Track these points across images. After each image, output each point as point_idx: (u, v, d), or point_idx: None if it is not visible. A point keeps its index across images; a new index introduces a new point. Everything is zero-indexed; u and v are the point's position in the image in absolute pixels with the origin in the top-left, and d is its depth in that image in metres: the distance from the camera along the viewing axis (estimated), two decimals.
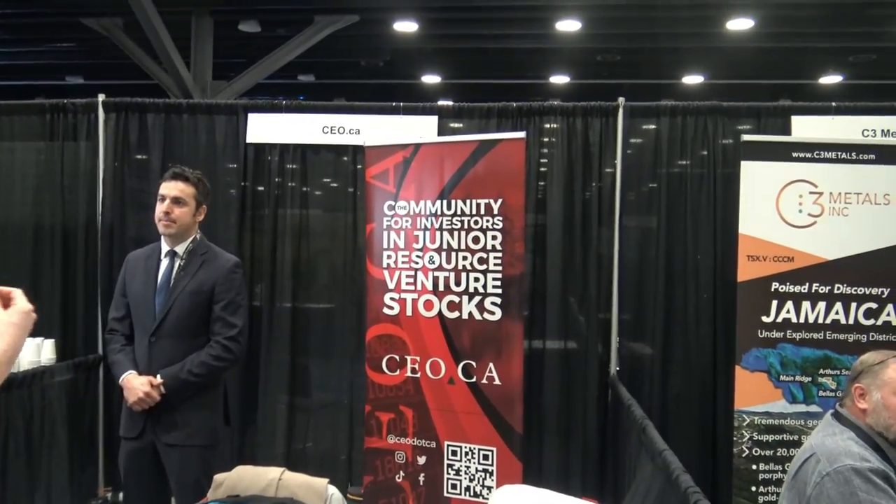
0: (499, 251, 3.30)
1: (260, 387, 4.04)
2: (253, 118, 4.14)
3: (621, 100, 3.99)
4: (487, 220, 3.32)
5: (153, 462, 2.83)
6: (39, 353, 3.65)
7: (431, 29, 8.68)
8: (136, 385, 2.76)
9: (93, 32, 8.73)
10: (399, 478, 3.43)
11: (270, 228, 4.13)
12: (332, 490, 2.52)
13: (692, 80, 10.33)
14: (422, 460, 3.39)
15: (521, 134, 3.45)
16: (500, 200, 3.30)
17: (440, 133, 4.04)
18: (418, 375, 3.41)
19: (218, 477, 2.55)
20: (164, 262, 2.92)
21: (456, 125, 4.09)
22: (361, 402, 3.82)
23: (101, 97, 4.14)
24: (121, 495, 3.95)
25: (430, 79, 10.94)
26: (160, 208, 2.85)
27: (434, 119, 4.08)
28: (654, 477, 2.59)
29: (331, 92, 10.89)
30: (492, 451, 3.25)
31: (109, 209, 4.10)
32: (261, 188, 4.16)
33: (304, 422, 4.09)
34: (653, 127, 4.04)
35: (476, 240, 3.34)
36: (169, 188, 2.86)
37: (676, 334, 3.89)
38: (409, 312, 3.45)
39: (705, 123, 3.97)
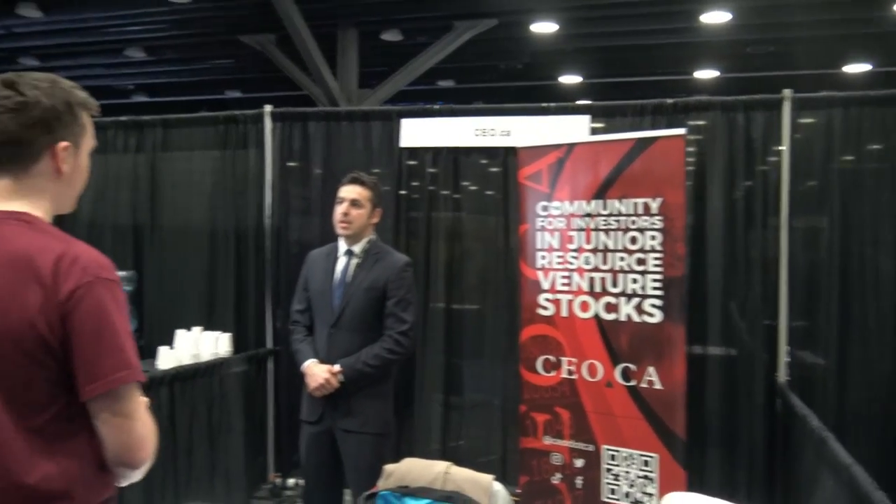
0: (658, 252, 3.21)
1: (416, 384, 4.15)
2: (406, 123, 4.27)
3: (787, 91, 3.77)
4: (646, 220, 3.25)
5: (331, 447, 3.03)
6: (217, 345, 3.94)
7: (571, 28, 8.60)
8: (318, 372, 2.97)
9: (249, 49, 9.33)
10: (555, 479, 3.42)
11: (424, 231, 4.23)
12: (498, 487, 2.54)
13: (856, 68, 9.61)
14: (579, 463, 3.36)
15: (681, 130, 3.35)
16: (659, 199, 3.22)
17: (589, 132, 3.98)
18: (574, 377, 3.38)
19: (388, 467, 2.65)
20: (342, 260, 3.13)
21: (604, 124, 4.02)
22: (512, 402, 3.84)
23: (267, 108, 4.41)
24: (289, 481, 4.20)
25: (570, 79, 10.84)
26: (339, 210, 3.07)
27: (586, 118, 4.03)
28: (838, 495, 2.43)
29: (470, 96, 11.05)
30: (653, 458, 3.16)
31: (276, 213, 4.36)
32: (415, 192, 4.28)
33: (457, 419, 4.17)
34: (821, 120, 3.78)
35: (633, 240, 3.28)
36: (347, 191, 3.07)
37: (853, 344, 3.60)
38: (564, 313, 3.44)
39: (883, 114, 3.68)
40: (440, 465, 2.64)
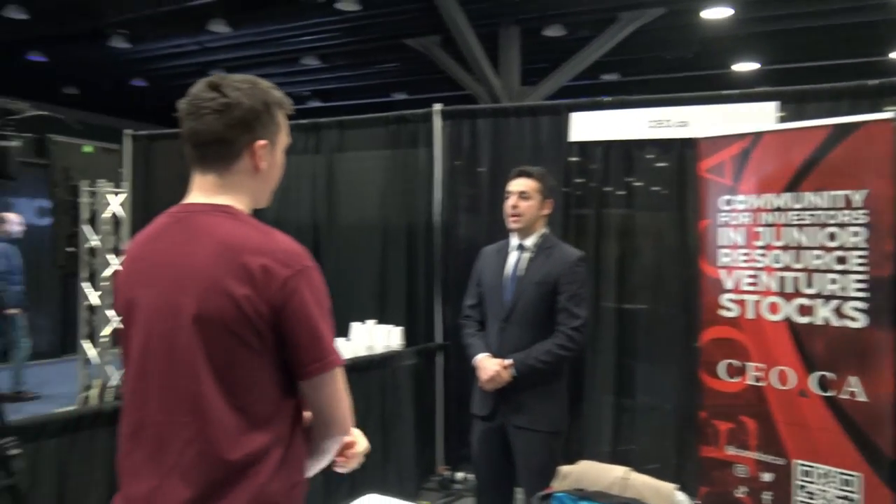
0: (862, 249, 2.90)
1: (586, 383, 4.06)
2: (576, 117, 4.17)
3: None
4: (847, 215, 2.95)
5: (502, 444, 3.01)
6: (390, 338, 4.07)
7: (747, 12, 8.05)
8: (489, 365, 2.97)
9: (413, 52, 9.59)
10: (740, 493, 3.19)
11: (593, 228, 4.12)
12: (682, 497, 2.41)
13: None
14: (767, 477, 3.12)
15: (890, 114, 3.01)
16: (863, 191, 2.91)
17: (776, 121, 3.69)
18: (762, 384, 3.14)
19: (563, 468, 2.59)
20: (514, 255, 3.10)
21: (787, 113, 3.69)
22: (687, 408, 3.64)
23: (437, 107, 4.49)
24: (458, 475, 4.25)
25: (745, 66, 10.18)
26: (508, 204, 3.04)
27: (772, 105, 3.74)
28: None
29: (635, 89, 10.67)
30: (855, 477, 2.87)
31: (445, 210, 4.43)
32: (583, 188, 4.17)
33: (628, 422, 4.02)
34: None
35: (832, 236, 2.99)
36: (515, 185, 3.04)
37: None
38: (750, 315, 3.20)
39: None
40: (618, 470, 2.54)
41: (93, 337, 5.83)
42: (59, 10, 12.19)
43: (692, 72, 10.27)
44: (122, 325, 1.45)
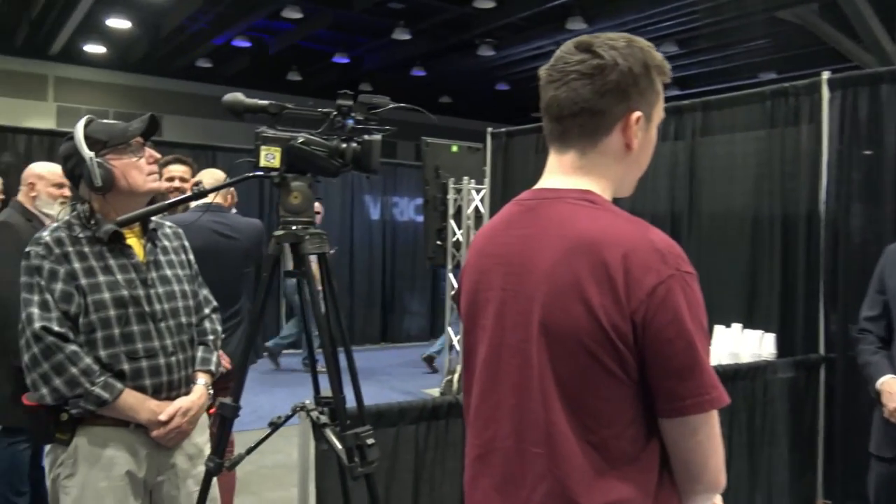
0: None
1: None
2: None
3: None
4: None
5: None
6: (761, 346, 3.55)
7: None
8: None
9: (787, 24, 8.54)
10: None
11: None
12: None
13: None
14: None
15: None
16: None
17: None
18: None
19: None
20: None
21: None
22: None
23: (825, 75, 3.81)
24: None
25: None
26: None
27: None
28: None
29: None
30: None
31: (833, 198, 3.73)
32: None
33: None
34: None
35: None
36: None
37: None
38: None
39: None
40: None
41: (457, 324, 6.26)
42: (436, 27, 13.54)
43: None
44: (464, 328, 1.28)
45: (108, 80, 19.36)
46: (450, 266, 6.21)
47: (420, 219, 8.98)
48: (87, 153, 1.84)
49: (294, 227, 1.91)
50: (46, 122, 18.25)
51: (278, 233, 1.93)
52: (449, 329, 6.27)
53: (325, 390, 2.02)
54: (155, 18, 13.77)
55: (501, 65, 15.41)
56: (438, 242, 6.21)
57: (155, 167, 1.97)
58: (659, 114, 1.23)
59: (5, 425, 3.20)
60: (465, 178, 6.13)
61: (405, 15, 12.92)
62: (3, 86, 19.41)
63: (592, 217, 1.13)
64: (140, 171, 1.92)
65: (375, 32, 14.01)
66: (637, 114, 1.17)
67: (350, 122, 1.91)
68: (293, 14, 12.74)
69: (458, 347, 6.13)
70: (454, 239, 6.19)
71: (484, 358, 1.21)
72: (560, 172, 1.21)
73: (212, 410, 1.94)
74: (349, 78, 15.94)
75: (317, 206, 3.95)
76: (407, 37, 13.70)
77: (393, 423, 2.50)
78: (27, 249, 1.83)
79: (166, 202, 1.92)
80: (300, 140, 1.89)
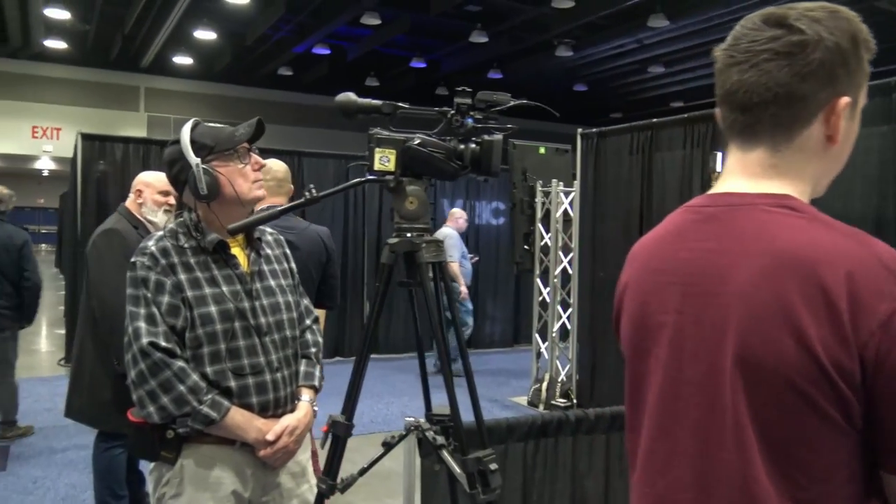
0: None
1: None
2: None
3: None
4: None
5: None
6: None
7: None
8: None
9: (883, 14, 7.99)
10: None
11: None
12: None
13: None
14: None
15: None
16: None
17: None
18: None
19: None
20: None
21: None
22: None
23: None
24: None
25: None
26: None
27: None
28: None
29: None
30: None
31: None
32: None
33: None
34: None
35: None
36: None
37: None
38: None
39: None
40: None
41: (543, 331, 6.07)
42: (514, 29, 13.39)
43: None
44: (628, 355, 1.10)
45: (194, 90, 20.03)
46: (537, 271, 6.05)
47: (499, 222, 8.86)
48: (194, 159, 1.77)
49: (409, 235, 1.81)
50: (138, 131, 18.97)
51: (392, 241, 1.82)
52: (536, 336, 6.11)
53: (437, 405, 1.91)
54: (239, 28, 14.11)
55: (580, 65, 15.13)
56: (526, 247, 6.05)
57: (260, 174, 1.88)
58: (864, 98, 1.02)
59: (104, 430, 3.23)
60: (554, 180, 5.96)
61: (482, 17, 12.82)
62: (99, 97, 20.36)
63: (798, 228, 0.93)
64: (246, 178, 1.83)
65: (452, 36, 13.96)
66: (845, 99, 0.96)
67: (469, 122, 1.78)
68: (371, 20, 12.83)
69: (545, 355, 5.96)
70: (542, 243, 6.02)
71: (657, 393, 1.03)
72: (745, 173, 1.01)
73: (324, 429, 1.84)
74: (426, 82, 15.98)
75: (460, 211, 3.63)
76: (484, 39, 13.59)
77: (501, 439, 2.37)
78: (133, 260, 1.77)
79: (278, 209, 1.84)
80: (417, 141, 1.78)
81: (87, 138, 6.80)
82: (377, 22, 12.93)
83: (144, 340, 1.69)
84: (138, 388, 1.70)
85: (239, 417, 1.74)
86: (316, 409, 1.90)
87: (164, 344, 1.70)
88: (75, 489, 3.91)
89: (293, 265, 2.01)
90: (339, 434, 1.80)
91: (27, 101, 20.60)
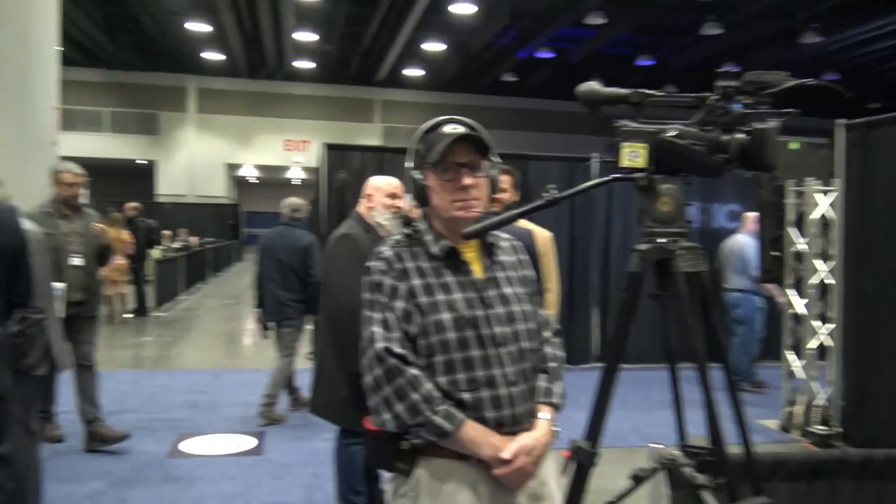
0: None
1: None
2: None
3: None
4: None
5: None
6: None
7: None
8: None
9: None
10: None
11: None
12: None
13: None
14: None
15: None
16: None
17: None
18: None
19: None
20: None
21: None
22: None
23: None
24: None
25: None
26: None
27: None
28: None
29: None
30: None
31: None
32: None
33: None
34: None
35: None
36: None
37: None
38: None
39: None
40: None
41: (798, 348, 5.39)
42: (751, 17, 12.33)
43: None
44: None
45: (424, 101, 21.01)
46: (790, 281, 5.38)
47: (732, 226, 8.06)
48: (408, 164, 1.74)
49: (662, 241, 1.58)
50: (373, 141, 20.29)
51: (642, 247, 1.61)
52: (787, 354, 5.44)
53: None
54: (465, 38, 14.51)
55: (830, 52, 13.58)
56: (774, 253, 5.41)
57: (466, 193, 1.75)
58: None
59: (343, 427, 3.34)
60: (809, 179, 5.27)
61: (715, 8, 11.97)
62: (339, 111, 22.15)
63: None
64: (445, 193, 1.73)
65: (682, 30, 13.21)
66: None
67: (736, 107, 1.52)
68: (596, 20, 12.52)
69: (799, 374, 5.28)
70: (794, 250, 5.35)
71: None
72: None
73: (566, 454, 1.67)
74: (653, 80, 15.29)
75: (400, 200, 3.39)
76: (717, 31, 12.68)
77: (765, 477, 2.03)
78: (367, 264, 1.75)
79: (512, 213, 1.70)
80: (672, 133, 1.55)
81: (331, 148, 7.29)
82: (602, 21, 12.59)
83: (379, 345, 1.65)
84: (374, 395, 1.67)
85: (473, 432, 1.64)
86: (557, 429, 1.73)
87: (398, 350, 1.65)
88: (319, 479, 4.12)
89: (531, 272, 1.87)
90: (582, 462, 1.61)
91: (280, 118, 22.99)
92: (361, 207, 3.31)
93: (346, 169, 7.09)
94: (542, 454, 1.70)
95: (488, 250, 1.78)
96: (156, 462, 4.40)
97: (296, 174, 25.59)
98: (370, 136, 21.21)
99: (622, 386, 1.79)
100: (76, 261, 4.41)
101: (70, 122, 16.40)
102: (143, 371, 7.19)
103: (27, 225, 2.87)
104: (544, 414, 1.74)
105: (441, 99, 19.99)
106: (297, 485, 4.11)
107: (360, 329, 1.70)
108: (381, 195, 3.26)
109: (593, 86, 1.67)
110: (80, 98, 19.53)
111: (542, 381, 1.78)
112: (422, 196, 1.73)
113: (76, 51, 17.46)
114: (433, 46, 15.03)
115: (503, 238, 1.87)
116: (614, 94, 1.65)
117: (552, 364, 1.81)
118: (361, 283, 1.74)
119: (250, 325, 10.96)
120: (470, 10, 12.70)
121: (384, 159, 7.24)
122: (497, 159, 1.77)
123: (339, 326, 3.13)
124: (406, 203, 5.13)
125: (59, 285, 4.14)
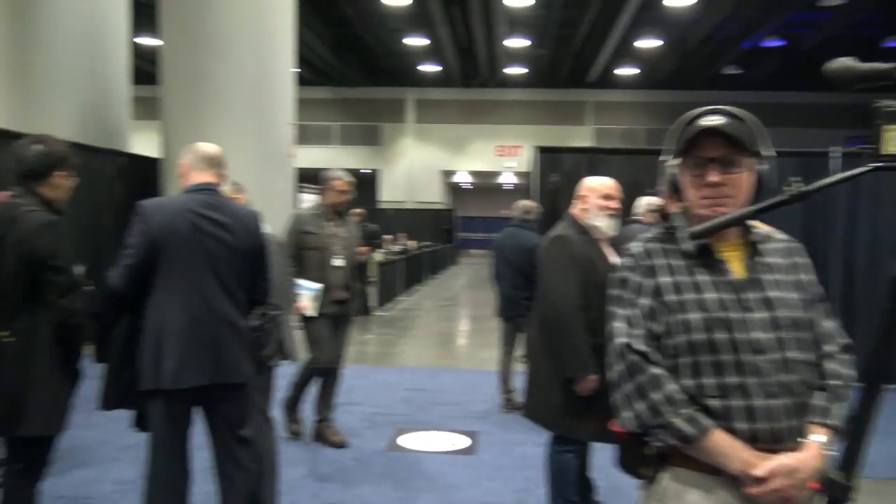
0: None
1: None
2: None
3: None
4: None
5: None
6: None
7: None
8: None
9: None
10: None
11: None
12: None
13: None
14: None
15: None
16: None
17: None
18: None
19: None
20: None
21: None
22: None
23: None
24: None
25: None
26: None
27: None
28: None
29: None
30: None
31: None
32: None
33: None
34: None
35: None
36: None
37: None
38: None
39: None
40: None
41: None
42: None
43: None
44: None
45: (637, 100, 20.39)
46: None
47: None
48: (664, 156, 1.67)
49: None
50: (584, 144, 19.99)
51: None
52: None
53: None
54: (683, 32, 13.82)
55: None
56: None
57: (711, 191, 1.64)
58: None
59: (555, 433, 3.27)
60: None
61: None
62: (550, 115, 22.18)
63: None
64: (693, 188, 1.64)
65: None
66: None
67: None
68: (833, 1, 11.31)
69: None
70: None
71: None
72: None
73: (813, 485, 1.46)
74: None
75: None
76: (841, 2, 10.90)
77: None
78: (616, 261, 1.71)
79: (748, 209, 1.54)
80: None
81: (543, 151, 7.30)
82: (841, 1, 11.35)
83: (622, 341, 1.60)
84: (616, 391, 1.61)
85: (722, 441, 1.50)
86: (833, 453, 1.51)
87: (639, 347, 1.57)
88: (531, 483, 4.09)
89: (810, 277, 1.67)
90: (835, 497, 1.39)
91: (492, 124, 23.57)
92: (575, 209, 3.24)
93: (557, 171, 7.03)
94: (807, 479, 1.50)
95: (754, 250, 1.64)
96: (377, 454, 4.64)
97: (507, 179, 26.05)
98: (581, 138, 20.96)
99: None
100: (338, 262, 4.61)
101: (304, 136, 18.02)
102: (367, 367, 7.64)
103: (267, 229, 3.15)
104: (818, 436, 1.53)
105: (655, 97, 19.23)
106: (510, 488, 4.11)
107: (570, 333, 1.64)
108: (596, 196, 3.18)
109: (846, 62, 1.46)
110: (312, 114, 21.43)
111: (818, 400, 1.57)
112: (675, 189, 1.66)
113: (309, 70, 19.18)
114: (648, 43, 14.49)
115: (777, 237, 1.70)
116: (874, 70, 1.42)
117: (834, 381, 1.58)
118: (609, 279, 1.70)
119: (465, 325, 11.27)
120: (688, 1, 12.07)
121: (597, 160, 7.09)
122: (770, 153, 1.61)
123: (551, 329, 3.08)
124: (647, 201, 4.92)
125: (316, 286, 4.52)
